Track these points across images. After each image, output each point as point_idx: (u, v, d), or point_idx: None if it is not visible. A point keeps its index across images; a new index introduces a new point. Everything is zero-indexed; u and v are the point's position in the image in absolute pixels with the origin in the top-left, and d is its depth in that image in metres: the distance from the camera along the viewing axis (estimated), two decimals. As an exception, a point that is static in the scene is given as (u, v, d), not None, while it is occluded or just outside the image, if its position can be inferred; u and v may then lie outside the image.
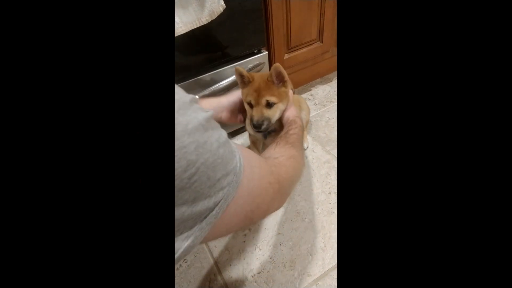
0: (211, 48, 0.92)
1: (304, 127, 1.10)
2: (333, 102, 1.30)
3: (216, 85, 0.97)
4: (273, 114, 0.78)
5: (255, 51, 1.02)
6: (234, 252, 0.84)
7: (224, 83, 0.97)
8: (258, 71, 1.03)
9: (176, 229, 0.32)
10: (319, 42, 1.23)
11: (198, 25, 0.77)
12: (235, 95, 0.80)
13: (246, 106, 0.80)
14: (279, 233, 0.87)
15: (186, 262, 0.84)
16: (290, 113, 0.79)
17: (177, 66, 0.88)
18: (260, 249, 0.84)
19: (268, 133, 0.87)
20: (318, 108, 1.28)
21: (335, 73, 1.46)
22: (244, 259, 0.83)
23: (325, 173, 1.02)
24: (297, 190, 0.98)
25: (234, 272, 0.80)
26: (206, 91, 0.95)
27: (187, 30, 0.76)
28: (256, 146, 1.03)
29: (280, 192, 0.45)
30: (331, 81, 1.42)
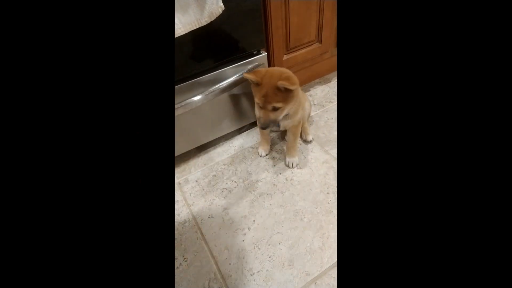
0: (210, 49, 0.93)
1: (306, 119, 1.12)
2: (332, 102, 1.31)
3: (216, 86, 0.97)
4: (279, 115, 0.86)
5: (255, 52, 1.03)
6: (234, 251, 0.85)
7: (224, 84, 0.98)
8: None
9: None
10: (318, 43, 1.24)
11: (198, 27, 0.78)
12: None
13: (256, 104, 0.89)
14: (278, 233, 0.88)
15: (186, 261, 0.84)
16: None
17: (176, 67, 0.89)
18: (259, 248, 0.85)
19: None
20: (317, 108, 1.29)
21: (334, 73, 1.46)
22: (243, 258, 0.83)
23: (324, 173, 1.03)
24: (296, 190, 0.99)
25: (233, 271, 0.81)
26: (206, 92, 0.96)
27: (186, 32, 0.77)
28: (264, 133, 1.09)
29: None
30: (330, 81, 1.42)
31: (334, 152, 1.10)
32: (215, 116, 1.08)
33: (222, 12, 0.80)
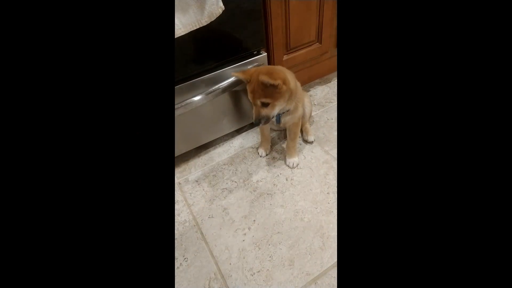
0: (211, 49, 0.93)
1: (307, 119, 1.12)
2: (332, 102, 1.31)
3: (216, 86, 0.97)
4: (270, 112, 0.86)
5: (255, 52, 1.03)
6: (234, 251, 0.85)
7: (225, 84, 0.98)
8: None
9: None
10: (318, 43, 1.24)
11: (198, 27, 0.78)
12: None
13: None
14: (278, 232, 0.88)
15: (186, 261, 0.85)
16: None
17: (177, 67, 0.89)
18: (259, 248, 0.85)
19: (278, 117, 0.95)
20: (317, 108, 1.29)
21: (334, 73, 1.46)
22: (244, 258, 0.84)
23: (324, 173, 1.03)
24: (296, 190, 0.99)
25: (233, 271, 0.81)
26: (206, 92, 0.96)
27: (186, 32, 0.77)
28: (264, 132, 1.09)
29: None
30: (330, 81, 1.43)
31: (334, 152, 1.10)
32: (215, 116, 1.09)
33: (222, 13, 0.80)
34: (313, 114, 1.25)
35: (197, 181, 1.07)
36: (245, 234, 0.89)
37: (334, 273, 0.78)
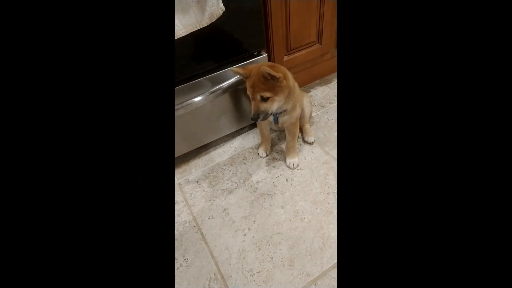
0: (211, 50, 0.93)
1: (307, 120, 1.12)
2: (332, 103, 1.31)
3: (217, 87, 0.98)
4: (269, 107, 0.86)
5: (255, 53, 1.03)
6: (234, 251, 0.85)
7: (225, 85, 0.98)
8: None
9: None
10: (318, 44, 1.24)
11: (198, 28, 0.78)
12: None
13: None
14: (278, 233, 0.88)
15: (186, 261, 0.85)
16: None
17: (177, 68, 0.89)
18: (259, 249, 0.85)
19: (276, 117, 0.94)
20: (317, 109, 1.29)
21: (335, 74, 1.46)
22: (244, 258, 0.84)
23: (324, 174, 1.03)
24: (296, 190, 0.99)
25: (233, 272, 0.81)
26: (207, 93, 0.96)
27: (187, 33, 0.77)
28: (264, 133, 1.09)
29: None
30: (330, 82, 1.43)
31: (334, 152, 1.10)
32: (215, 117, 1.09)
33: (223, 13, 0.80)
34: (313, 114, 1.25)
35: (197, 181, 1.07)
36: (245, 234, 0.89)
37: (334, 273, 0.78)
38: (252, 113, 0.86)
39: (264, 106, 0.85)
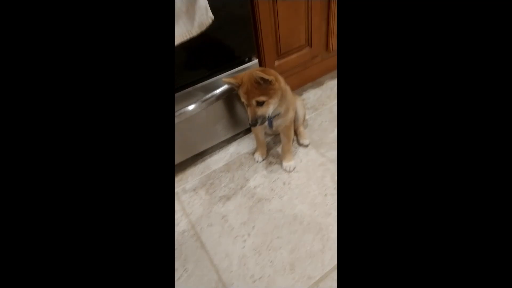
0: (202, 58, 0.94)
1: (301, 123, 1.13)
2: (325, 105, 1.32)
3: (210, 95, 0.98)
4: (266, 111, 0.87)
5: (246, 59, 1.04)
6: (234, 258, 0.85)
7: (218, 92, 0.99)
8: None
9: None
10: (308, 47, 1.25)
11: (188, 38, 0.79)
12: None
13: (245, 106, 0.90)
14: (278, 237, 0.88)
15: (186, 271, 0.84)
16: None
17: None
18: (260, 254, 0.85)
19: (270, 121, 0.94)
20: (310, 112, 1.30)
21: (326, 76, 1.48)
22: (245, 264, 0.83)
23: (321, 176, 1.04)
24: (294, 193, 1.00)
25: (235, 279, 0.81)
26: (200, 101, 0.96)
27: (177, 43, 0.77)
28: (259, 137, 1.09)
29: None
30: (322, 84, 1.44)
31: (329, 154, 1.11)
32: (210, 124, 1.09)
33: (213, 22, 0.81)
34: (307, 117, 1.26)
35: (194, 189, 1.06)
36: (244, 240, 0.89)
37: (335, 275, 0.78)
38: (250, 119, 0.87)
39: (260, 110, 0.86)
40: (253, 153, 1.15)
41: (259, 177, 1.07)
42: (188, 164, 1.15)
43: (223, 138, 1.17)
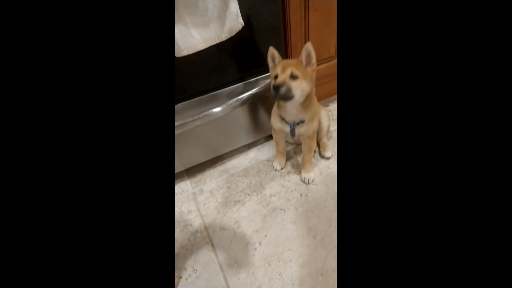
0: (231, 64, 0.95)
1: (324, 134, 1.10)
2: (351, 118, 1.29)
3: (235, 99, 0.99)
4: (295, 86, 0.82)
5: (273, 67, 1.04)
6: (243, 265, 0.84)
7: (243, 97, 0.99)
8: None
9: None
10: (337, 59, 1.23)
11: (217, 42, 0.80)
12: None
13: (272, 80, 0.87)
14: (289, 249, 0.86)
15: (195, 272, 0.84)
16: None
17: (197, 80, 0.92)
18: (269, 265, 0.83)
19: (293, 128, 0.92)
20: (335, 124, 1.27)
21: (355, 89, 1.44)
22: (253, 273, 0.82)
23: (340, 190, 1.00)
24: (310, 206, 0.97)
25: (241, 286, 0.79)
26: (225, 105, 0.98)
27: (206, 46, 0.79)
28: (279, 145, 1.07)
29: None
30: (350, 97, 1.40)
31: (351, 169, 1.07)
32: (232, 128, 1.10)
33: (243, 28, 0.82)
34: (331, 129, 1.23)
35: (211, 191, 1.07)
36: (255, 248, 0.87)
37: (346, 297, 0.74)
38: (278, 81, 0.81)
39: (290, 82, 0.81)
40: (272, 161, 1.13)
41: (276, 186, 1.05)
42: (208, 166, 1.17)
43: (244, 143, 1.17)
